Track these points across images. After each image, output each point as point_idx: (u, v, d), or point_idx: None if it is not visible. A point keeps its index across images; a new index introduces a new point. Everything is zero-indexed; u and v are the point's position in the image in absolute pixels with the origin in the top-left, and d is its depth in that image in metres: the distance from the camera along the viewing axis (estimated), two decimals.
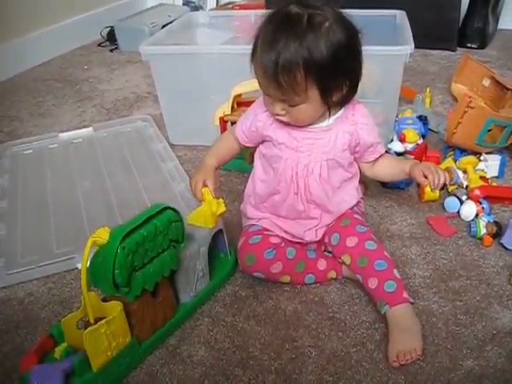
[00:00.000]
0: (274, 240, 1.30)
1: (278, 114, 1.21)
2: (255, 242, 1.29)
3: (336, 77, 1.16)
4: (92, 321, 1.06)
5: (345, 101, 1.25)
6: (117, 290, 1.07)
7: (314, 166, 1.28)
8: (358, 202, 1.39)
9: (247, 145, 1.38)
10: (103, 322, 1.04)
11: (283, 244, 1.31)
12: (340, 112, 1.27)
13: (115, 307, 1.07)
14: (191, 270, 1.25)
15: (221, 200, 1.30)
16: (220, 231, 1.33)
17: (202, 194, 1.29)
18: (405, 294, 1.20)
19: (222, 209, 1.29)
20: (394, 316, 1.18)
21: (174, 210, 1.17)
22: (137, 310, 1.12)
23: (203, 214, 1.28)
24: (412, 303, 1.20)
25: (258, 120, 1.30)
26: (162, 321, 1.19)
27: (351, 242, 1.27)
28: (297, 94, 1.14)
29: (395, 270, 1.23)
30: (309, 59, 1.10)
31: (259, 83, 1.19)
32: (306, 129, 1.26)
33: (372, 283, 1.22)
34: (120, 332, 1.08)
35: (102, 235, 1.07)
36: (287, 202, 1.31)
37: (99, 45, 3.31)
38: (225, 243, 1.37)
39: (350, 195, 1.36)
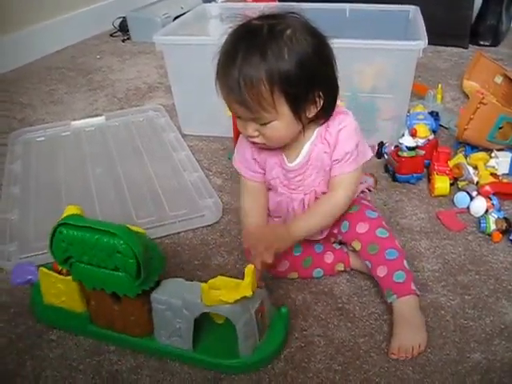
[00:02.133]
0: None
1: (251, 136, 1.14)
2: None
3: (305, 87, 1.07)
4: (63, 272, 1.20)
5: (323, 116, 1.17)
6: (59, 263, 1.15)
7: (308, 196, 1.26)
8: (363, 191, 1.38)
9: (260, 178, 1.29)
10: (56, 274, 1.19)
11: None
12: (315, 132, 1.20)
13: (70, 279, 1.17)
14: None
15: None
16: None
17: (247, 270, 1.06)
18: (413, 286, 1.20)
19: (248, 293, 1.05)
20: (401, 307, 1.18)
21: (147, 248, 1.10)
22: (91, 298, 1.18)
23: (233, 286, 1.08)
24: (419, 296, 1.21)
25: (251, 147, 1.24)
26: (119, 327, 1.18)
27: (362, 228, 1.25)
28: (265, 109, 1.06)
29: (405, 261, 1.23)
30: (272, 70, 1.02)
31: (227, 105, 1.12)
32: (293, 167, 1.23)
33: (381, 271, 1.21)
34: (66, 294, 1.19)
35: (69, 211, 1.15)
36: (288, 219, 1.30)
37: (111, 35, 3.32)
38: None
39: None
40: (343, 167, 1.19)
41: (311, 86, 1.08)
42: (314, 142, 1.20)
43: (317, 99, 1.11)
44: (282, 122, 1.09)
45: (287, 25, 1.06)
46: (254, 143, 1.17)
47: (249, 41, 1.05)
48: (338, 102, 1.19)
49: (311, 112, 1.12)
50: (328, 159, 1.20)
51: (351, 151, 1.18)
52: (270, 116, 1.08)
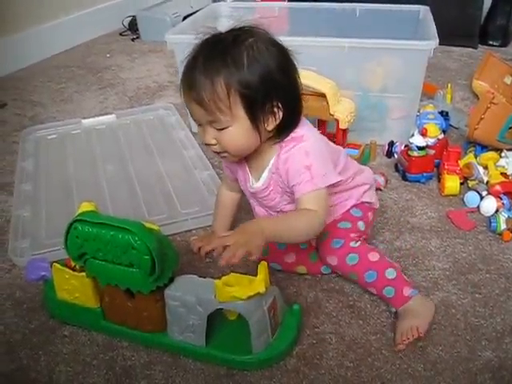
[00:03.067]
0: None
1: (209, 144, 1.14)
2: None
3: (262, 93, 1.08)
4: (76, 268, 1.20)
5: (283, 132, 1.16)
6: (73, 259, 1.15)
7: (282, 203, 1.26)
8: (361, 203, 1.35)
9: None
10: (69, 270, 1.19)
11: None
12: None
13: (83, 275, 1.17)
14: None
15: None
16: None
17: (260, 266, 1.08)
18: (405, 292, 1.21)
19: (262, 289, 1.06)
20: (403, 312, 1.20)
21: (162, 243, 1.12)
22: (105, 294, 1.19)
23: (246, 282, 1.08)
24: (416, 293, 1.22)
25: None
26: (132, 323, 1.19)
27: (333, 260, 1.26)
28: (221, 111, 1.07)
29: (388, 272, 1.23)
30: (230, 72, 1.06)
31: (187, 107, 1.14)
32: (256, 189, 1.25)
33: (373, 291, 1.26)
34: (79, 290, 1.20)
35: (83, 208, 1.15)
36: None
37: (121, 34, 3.33)
38: None
39: (341, 198, 1.32)
40: (301, 189, 1.15)
41: (269, 93, 1.09)
42: (271, 169, 1.20)
43: (275, 110, 1.11)
44: (238, 128, 1.10)
45: (251, 35, 1.10)
46: (216, 153, 1.18)
47: (212, 46, 1.09)
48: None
49: (270, 124, 1.12)
50: (285, 184, 1.20)
51: (303, 172, 1.14)
52: (226, 120, 1.09)
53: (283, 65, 1.11)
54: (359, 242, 1.26)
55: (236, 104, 1.07)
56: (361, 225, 1.31)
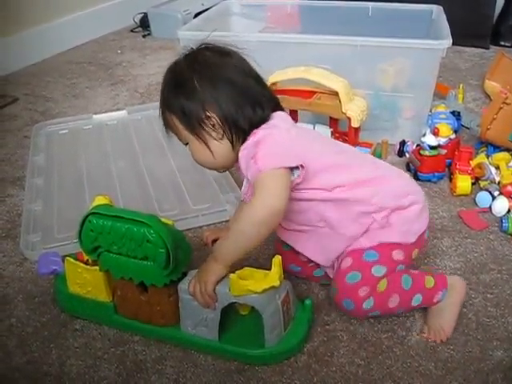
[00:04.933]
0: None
1: None
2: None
3: (189, 113, 1.11)
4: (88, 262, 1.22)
5: (241, 135, 1.12)
6: (87, 252, 1.16)
7: None
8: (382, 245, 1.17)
9: None
10: (82, 264, 1.20)
11: None
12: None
13: (96, 269, 1.18)
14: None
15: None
16: None
17: (275, 260, 1.07)
18: (435, 299, 1.18)
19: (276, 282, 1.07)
20: (433, 311, 1.20)
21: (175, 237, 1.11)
22: (118, 288, 1.20)
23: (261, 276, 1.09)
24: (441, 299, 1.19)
25: None
26: (144, 318, 1.19)
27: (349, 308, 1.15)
28: (174, 131, 1.17)
29: (413, 301, 1.16)
30: (164, 98, 1.16)
31: None
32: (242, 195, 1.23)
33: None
34: (92, 284, 1.21)
35: (97, 201, 1.16)
36: None
37: (132, 30, 3.34)
38: None
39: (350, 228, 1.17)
40: (250, 172, 1.08)
41: (198, 101, 1.10)
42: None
43: (209, 118, 1.11)
44: (192, 144, 1.15)
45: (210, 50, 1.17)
46: None
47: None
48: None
49: (213, 135, 1.12)
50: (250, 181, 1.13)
51: (250, 162, 1.07)
52: (182, 137, 1.17)
53: (211, 81, 1.11)
54: (374, 298, 1.12)
55: (178, 126, 1.14)
56: (377, 270, 1.13)
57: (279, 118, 1.16)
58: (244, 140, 1.12)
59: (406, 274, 1.16)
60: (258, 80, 1.17)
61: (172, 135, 1.19)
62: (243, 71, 1.15)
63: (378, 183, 1.17)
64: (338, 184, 1.13)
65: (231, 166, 1.20)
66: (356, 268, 1.13)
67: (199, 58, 1.15)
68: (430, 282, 1.18)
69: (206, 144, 1.13)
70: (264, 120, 1.13)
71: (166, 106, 1.15)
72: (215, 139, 1.12)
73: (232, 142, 1.13)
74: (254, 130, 1.11)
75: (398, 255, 1.16)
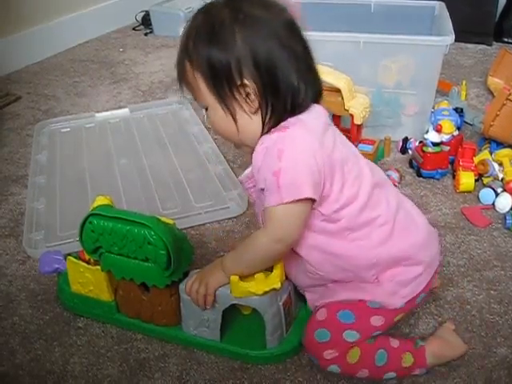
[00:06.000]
0: None
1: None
2: None
3: (226, 75, 0.93)
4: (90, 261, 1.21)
5: (268, 122, 0.97)
6: (88, 253, 1.16)
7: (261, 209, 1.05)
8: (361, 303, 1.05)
9: None
10: (84, 264, 1.19)
11: None
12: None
13: (98, 268, 1.18)
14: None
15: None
16: None
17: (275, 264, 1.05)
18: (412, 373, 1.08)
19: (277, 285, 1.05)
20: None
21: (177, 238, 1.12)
22: (119, 287, 1.20)
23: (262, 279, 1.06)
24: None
25: None
26: (146, 317, 1.19)
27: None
28: (194, 91, 0.99)
29: (386, 375, 1.06)
30: (194, 49, 0.95)
31: None
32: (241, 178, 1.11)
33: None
34: (94, 283, 1.20)
35: (98, 201, 1.16)
36: None
37: (134, 28, 3.33)
38: None
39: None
40: (266, 199, 0.95)
41: (228, 60, 0.92)
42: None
43: (245, 86, 0.94)
44: (213, 112, 0.98)
45: (228, 7, 0.95)
46: None
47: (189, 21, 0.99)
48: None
49: (245, 107, 0.96)
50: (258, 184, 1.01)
51: (267, 179, 0.94)
52: (200, 99, 0.99)
53: (256, 39, 0.93)
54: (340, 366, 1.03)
55: (199, 85, 0.96)
56: (350, 335, 1.03)
57: (315, 116, 0.99)
58: (275, 124, 0.97)
59: (383, 348, 1.04)
60: (308, 51, 1.00)
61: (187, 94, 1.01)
62: (297, 36, 0.98)
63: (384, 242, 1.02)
64: (343, 221, 0.99)
65: (252, 146, 0.99)
66: (327, 326, 1.03)
67: (244, 7, 0.95)
68: (408, 360, 1.05)
69: (233, 116, 0.97)
70: (302, 108, 0.97)
71: (189, 56, 0.96)
72: (246, 112, 0.96)
73: (263, 122, 0.97)
74: (288, 119, 0.96)
75: (377, 321, 1.04)
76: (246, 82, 0.93)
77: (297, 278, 1.11)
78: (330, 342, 1.02)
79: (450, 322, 1.17)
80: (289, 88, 0.95)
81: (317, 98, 1.01)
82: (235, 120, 0.97)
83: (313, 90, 0.99)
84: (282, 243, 0.98)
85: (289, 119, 0.96)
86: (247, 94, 0.95)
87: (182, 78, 1.00)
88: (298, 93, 0.95)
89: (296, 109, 0.97)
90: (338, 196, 0.97)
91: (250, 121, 0.97)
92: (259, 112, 0.96)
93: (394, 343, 1.07)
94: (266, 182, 0.94)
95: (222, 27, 0.93)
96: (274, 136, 0.95)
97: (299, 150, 0.93)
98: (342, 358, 1.02)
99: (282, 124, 0.96)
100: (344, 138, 1.07)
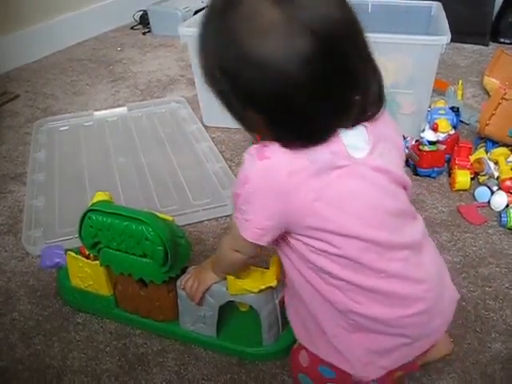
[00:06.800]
0: None
1: None
2: None
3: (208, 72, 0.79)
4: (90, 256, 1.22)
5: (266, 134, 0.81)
6: (88, 248, 1.17)
7: None
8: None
9: None
10: (83, 259, 1.20)
11: None
12: None
13: (97, 263, 1.18)
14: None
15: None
16: None
17: (273, 259, 1.05)
18: None
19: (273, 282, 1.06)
20: None
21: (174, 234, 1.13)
22: (118, 282, 1.22)
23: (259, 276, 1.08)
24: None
25: None
26: (144, 312, 1.21)
27: None
28: None
29: None
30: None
31: None
32: None
33: None
34: (93, 278, 1.21)
35: (98, 197, 1.18)
36: None
37: (132, 28, 3.34)
38: None
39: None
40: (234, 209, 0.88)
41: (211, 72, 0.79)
42: None
43: (233, 100, 0.78)
44: None
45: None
46: None
47: None
48: None
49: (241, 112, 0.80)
50: None
51: (232, 190, 0.86)
52: None
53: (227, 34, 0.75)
54: None
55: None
56: None
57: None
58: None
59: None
60: None
61: None
62: None
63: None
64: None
65: None
66: (310, 375, 0.96)
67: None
68: (398, 373, 0.94)
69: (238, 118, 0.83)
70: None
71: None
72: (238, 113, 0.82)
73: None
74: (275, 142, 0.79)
75: None
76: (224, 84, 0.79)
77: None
78: None
79: None
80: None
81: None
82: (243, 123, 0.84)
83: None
84: (241, 254, 0.95)
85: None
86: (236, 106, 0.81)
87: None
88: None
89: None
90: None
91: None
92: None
93: None
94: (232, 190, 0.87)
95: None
96: (253, 156, 0.81)
97: (265, 187, 0.81)
98: None
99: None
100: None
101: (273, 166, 0.79)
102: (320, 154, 0.78)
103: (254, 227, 0.84)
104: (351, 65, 0.76)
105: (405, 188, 0.90)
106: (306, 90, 0.74)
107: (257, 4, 0.72)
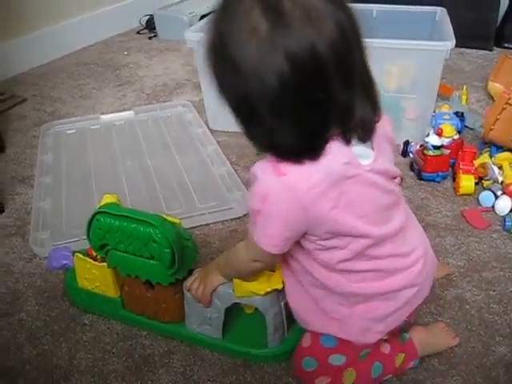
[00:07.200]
0: None
1: None
2: None
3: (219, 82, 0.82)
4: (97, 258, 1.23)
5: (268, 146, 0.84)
6: (95, 249, 1.18)
7: None
8: None
9: None
10: (91, 260, 1.21)
11: None
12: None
13: (105, 265, 1.20)
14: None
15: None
16: None
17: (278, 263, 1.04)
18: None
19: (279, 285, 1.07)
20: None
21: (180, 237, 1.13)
22: (125, 284, 1.23)
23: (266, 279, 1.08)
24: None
25: None
26: (151, 314, 1.21)
27: None
28: None
29: (383, 379, 1.08)
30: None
31: None
32: None
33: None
34: (100, 280, 1.22)
35: (106, 200, 1.19)
36: None
37: (138, 32, 3.36)
38: None
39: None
40: (250, 218, 0.93)
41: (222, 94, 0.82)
42: None
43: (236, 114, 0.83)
44: None
45: None
46: None
47: None
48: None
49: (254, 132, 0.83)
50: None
51: (249, 206, 0.89)
52: None
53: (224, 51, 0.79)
54: None
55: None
56: (336, 359, 1.01)
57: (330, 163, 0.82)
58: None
59: (377, 360, 1.05)
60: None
61: None
62: None
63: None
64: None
65: None
66: (313, 353, 1.02)
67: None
68: (400, 359, 1.07)
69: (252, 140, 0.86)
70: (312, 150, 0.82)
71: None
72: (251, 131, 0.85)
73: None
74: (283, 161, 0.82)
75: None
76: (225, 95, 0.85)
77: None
78: (318, 369, 1.01)
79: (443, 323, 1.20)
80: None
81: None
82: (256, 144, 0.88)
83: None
84: (262, 263, 0.98)
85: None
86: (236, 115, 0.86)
87: None
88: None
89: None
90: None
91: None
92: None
93: (386, 348, 1.07)
94: (248, 205, 0.89)
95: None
96: (269, 166, 0.84)
97: (286, 203, 0.83)
98: (338, 381, 1.01)
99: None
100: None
101: (292, 183, 0.82)
102: (334, 165, 0.82)
103: (276, 241, 0.89)
104: (325, 93, 0.76)
105: (394, 178, 0.96)
106: (267, 104, 0.76)
107: (249, 8, 0.74)
